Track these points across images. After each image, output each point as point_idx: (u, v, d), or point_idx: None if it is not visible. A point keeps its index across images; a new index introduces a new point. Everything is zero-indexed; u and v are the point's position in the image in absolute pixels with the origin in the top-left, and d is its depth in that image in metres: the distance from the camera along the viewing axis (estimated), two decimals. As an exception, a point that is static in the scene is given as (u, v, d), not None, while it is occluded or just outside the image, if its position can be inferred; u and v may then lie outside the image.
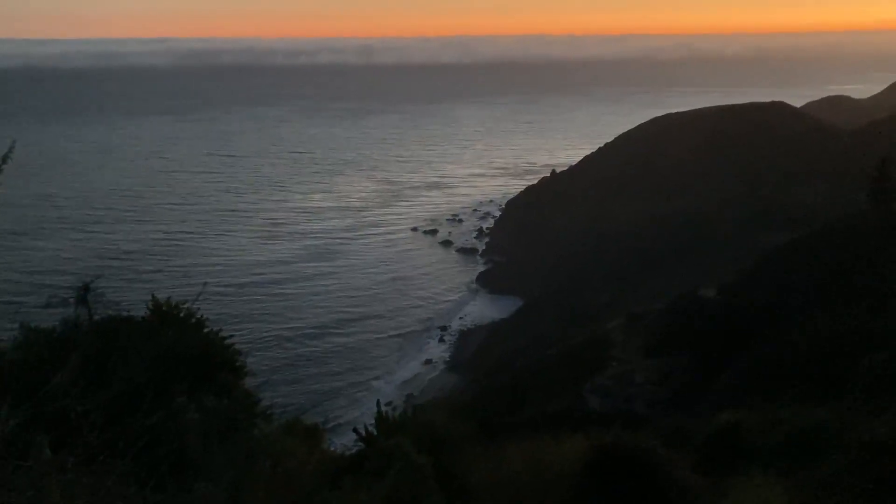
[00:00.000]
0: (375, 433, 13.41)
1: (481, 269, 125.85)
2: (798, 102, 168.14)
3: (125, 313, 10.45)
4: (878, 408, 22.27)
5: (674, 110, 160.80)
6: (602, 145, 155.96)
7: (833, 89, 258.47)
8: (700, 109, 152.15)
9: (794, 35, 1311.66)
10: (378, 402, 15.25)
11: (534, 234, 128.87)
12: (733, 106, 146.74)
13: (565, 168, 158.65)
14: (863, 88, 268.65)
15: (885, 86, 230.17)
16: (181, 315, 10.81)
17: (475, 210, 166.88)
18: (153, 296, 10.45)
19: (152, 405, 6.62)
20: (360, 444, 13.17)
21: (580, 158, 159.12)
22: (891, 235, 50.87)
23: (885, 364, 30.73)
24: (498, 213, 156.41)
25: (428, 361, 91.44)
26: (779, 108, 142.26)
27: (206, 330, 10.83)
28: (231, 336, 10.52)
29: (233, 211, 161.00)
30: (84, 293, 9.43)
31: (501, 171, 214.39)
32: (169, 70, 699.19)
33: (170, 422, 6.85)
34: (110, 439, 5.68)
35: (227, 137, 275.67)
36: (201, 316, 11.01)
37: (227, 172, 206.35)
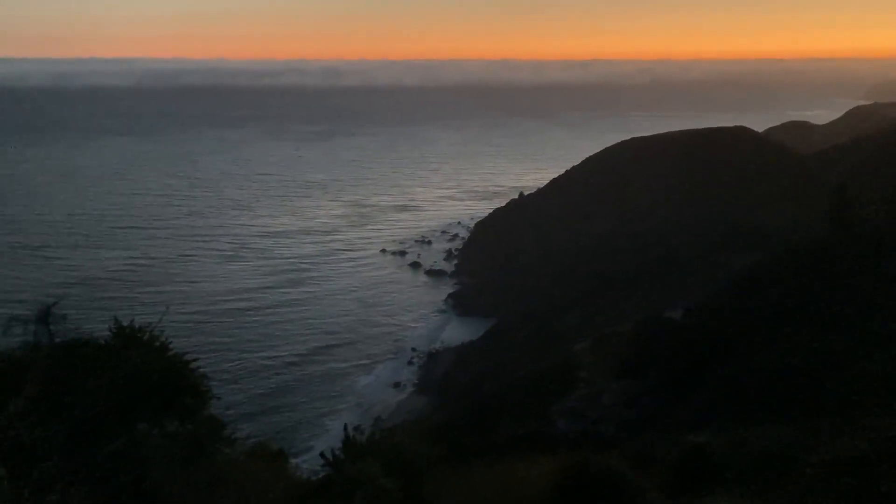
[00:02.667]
0: (343, 457, 13.23)
1: (450, 290, 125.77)
2: (759, 127, 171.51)
3: (87, 336, 10.20)
4: (842, 427, 22.57)
5: (638, 134, 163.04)
6: (569, 168, 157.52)
7: (793, 115, 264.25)
8: (665, 133, 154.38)
9: (754, 62, 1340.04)
10: (345, 426, 15.05)
11: (502, 256, 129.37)
12: (698, 130, 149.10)
13: (533, 191, 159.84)
14: (822, 114, 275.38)
15: (842, 112, 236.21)
16: (145, 338, 10.59)
17: (444, 232, 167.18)
18: (115, 318, 10.22)
19: (114, 431, 6.45)
20: (327, 468, 12.98)
21: (547, 181, 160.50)
22: (852, 258, 51.83)
23: (848, 384, 31.22)
24: (466, 235, 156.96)
25: (397, 384, 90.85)
26: (742, 132, 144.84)
27: (170, 353, 10.61)
28: (196, 359, 10.33)
29: (198, 235, 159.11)
30: (45, 315, 9.19)
31: (469, 193, 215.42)
32: (131, 90, 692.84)
33: (132, 448, 6.67)
34: (70, 466, 5.52)
35: (192, 159, 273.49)
36: (165, 339, 10.78)
37: (192, 195, 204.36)
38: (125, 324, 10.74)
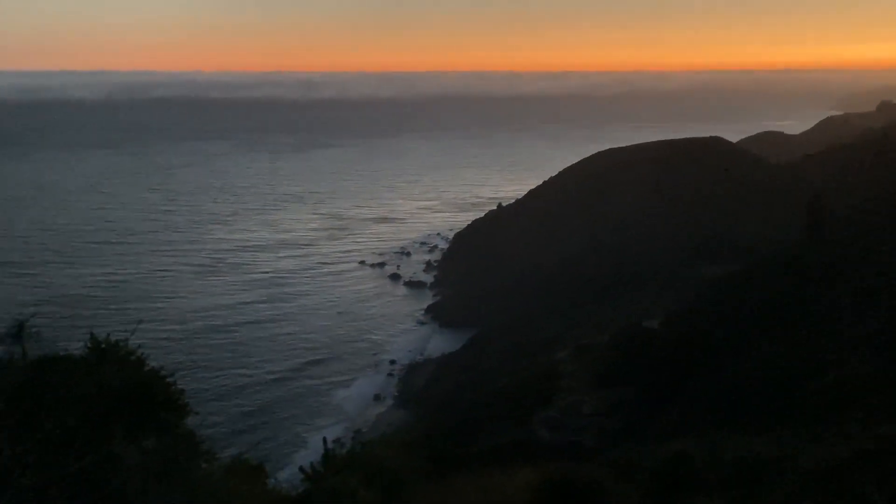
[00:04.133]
0: (322, 471, 13.10)
1: (430, 301, 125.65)
2: (734, 138, 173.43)
3: (62, 352, 10.04)
4: (819, 434, 22.76)
5: (615, 145, 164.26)
6: (547, 179, 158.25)
7: (767, 125, 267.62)
8: (641, 144, 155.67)
9: (726, 73, 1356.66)
10: (325, 440, 14.92)
11: (481, 267, 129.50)
12: (674, 141, 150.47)
13: (512, 201, 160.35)
14: (795, 125, 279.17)
15: (815, 122, 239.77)
16: (121, 353, 10.44)
17: (423, 243, 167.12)
18: (91, 333, 10.06)
19: (87, 446, 6.34)
20: (306, 482, 12.85)
21: (526, 192, 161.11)
22: (827, 266, 52.43)
23: (825, 391, 31.50)
24: (446, 246, 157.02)
25: (377, 397, 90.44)
26: (717, 143, 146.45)
27: (146, 368, 10.47)
28: (173, 374, 10.19)
29: (175, 249, 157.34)
30: (18, 331, 9.03)
31: (448, 204, 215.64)
32: (103, 103, 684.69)
33: (106, 463, 6.55)
34: (42, 483, 5.40)
35: (167, 172, 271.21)
36: (142, 354, 10.64)
37: (168, 208, 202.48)
38: (101, 338, 10.57)
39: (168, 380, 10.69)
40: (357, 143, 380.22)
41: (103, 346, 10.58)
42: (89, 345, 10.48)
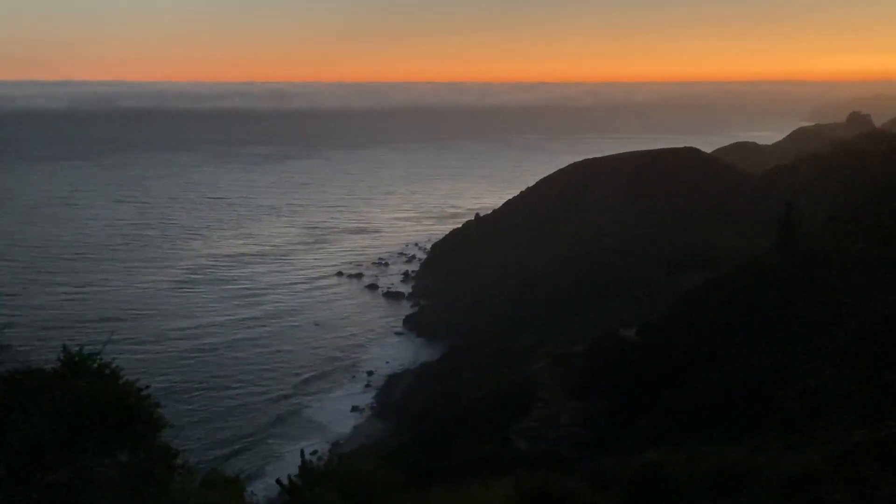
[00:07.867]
0: (300, 484, 13.00)
1: (408, 312, 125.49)
2: (707, 148, 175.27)
3: (33, 366, 9.88)
4: (792, 442, 22.98)
5: (589, 156, 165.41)
6: (523, 189, 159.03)
7: (740, 136, 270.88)
8: (617, 155, 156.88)
9: (698, 84, 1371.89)
10: (302, 452, 14.82)
11: (459, 277, 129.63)
12: (649, 151, 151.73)
13: (489, 212, 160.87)
14: (767, 136, 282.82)
15: (787, 133, 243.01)
16: (95, 366, 10.29)
17: (401, 254, 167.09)
18: (64, 346, 9.91)
19: (59, 460, 6.25)
20: (283, 495, 12.75)
21: (502, 203, 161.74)
22: (798, 275, 53.05)
23: (798, 400, 31.83)
24: (423, 257, 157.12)
25: (354, 408, 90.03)
26: (691, 153, 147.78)
27: (121, 381, 10.32)
28: (148, 386, 10.07)
29: (148, 263, 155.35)
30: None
31: (425, 214, 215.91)
32: (67, 114, 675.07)
33: (78, 478, 6.46)
34: (11, 499, 5.32)
35: (139, 183, 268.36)
36: (116, 366, 10.50)
37: (141, 221, 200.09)
38: (74, 351, 10.41)
39: (142, 392, 10.56)
40: (331, 154, 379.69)
41: (76, 359, 10.42)
42: (62, 357, 10.33)
